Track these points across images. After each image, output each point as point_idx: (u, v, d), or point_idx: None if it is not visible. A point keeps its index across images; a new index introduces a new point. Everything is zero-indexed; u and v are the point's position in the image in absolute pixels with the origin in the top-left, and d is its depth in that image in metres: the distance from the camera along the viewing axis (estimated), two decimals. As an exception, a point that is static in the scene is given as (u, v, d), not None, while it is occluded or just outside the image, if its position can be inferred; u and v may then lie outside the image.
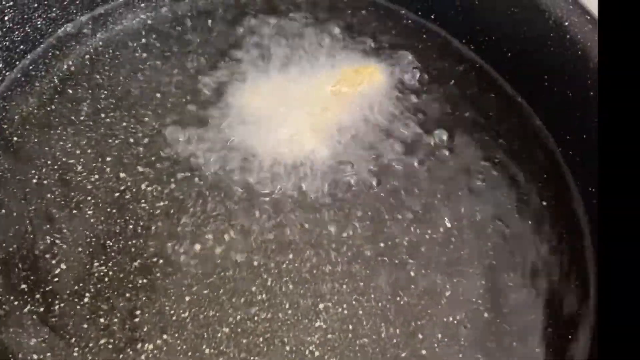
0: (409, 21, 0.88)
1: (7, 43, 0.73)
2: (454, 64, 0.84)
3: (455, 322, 0.65)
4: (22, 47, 0.76)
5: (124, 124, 0.76)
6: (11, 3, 0.71)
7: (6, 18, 0.72)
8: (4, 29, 0.72)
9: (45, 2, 0.75)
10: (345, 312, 0.64)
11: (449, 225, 0.70)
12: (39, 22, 0.76)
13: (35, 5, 0.74)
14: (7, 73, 0.75)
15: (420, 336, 0.64)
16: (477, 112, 0.79)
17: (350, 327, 0.64)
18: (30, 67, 0.78)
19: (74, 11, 0.80)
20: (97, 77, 0.79)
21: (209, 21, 0.86)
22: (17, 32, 0.74)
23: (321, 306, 0.65)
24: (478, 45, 0.83)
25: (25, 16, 0.74)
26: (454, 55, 0.85)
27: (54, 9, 0.77)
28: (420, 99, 0.80)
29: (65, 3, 0.78)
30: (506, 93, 0.81)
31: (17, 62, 0.76)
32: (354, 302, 0.65)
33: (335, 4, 0.89)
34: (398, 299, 0.66)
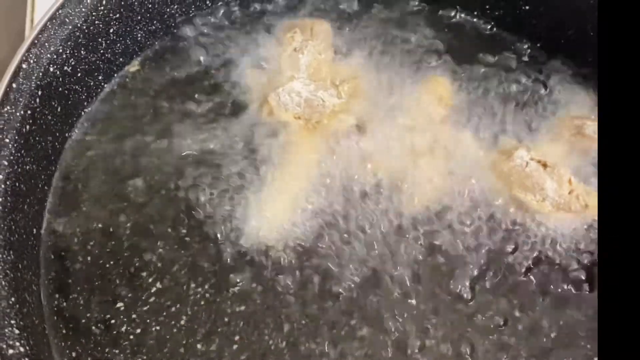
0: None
1: (109, 55, 0.72)
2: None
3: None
4: (121, 59, 0.75)
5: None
6: (117, 16, 0.71)
7: (111, 30, 0.71)
8: (108, 41, 0.71)
9: (148, 15, 0.75)
10: (450, 352, 0.62)
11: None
12: (139, 35, 0.75)
13: (139, 17, 0.74)
14: (105, 85, 0.75)
15: (530, 382, 0.61)
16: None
17: (459, 368, 0.61)
18: (127, 79, 0.77)
19: (172, 23, 0.79)
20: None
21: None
22: (118, 44, 0.73)
23: (427, 343, 0.62)
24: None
25: (128, 28, 0.73)
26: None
27: (155, 22, 0.76)
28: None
29: (165, 16, 0.77)
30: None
31: (115, 74, 0.75)
32: (461, 340, 0.62)
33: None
34: (504, 338, 0.63)
